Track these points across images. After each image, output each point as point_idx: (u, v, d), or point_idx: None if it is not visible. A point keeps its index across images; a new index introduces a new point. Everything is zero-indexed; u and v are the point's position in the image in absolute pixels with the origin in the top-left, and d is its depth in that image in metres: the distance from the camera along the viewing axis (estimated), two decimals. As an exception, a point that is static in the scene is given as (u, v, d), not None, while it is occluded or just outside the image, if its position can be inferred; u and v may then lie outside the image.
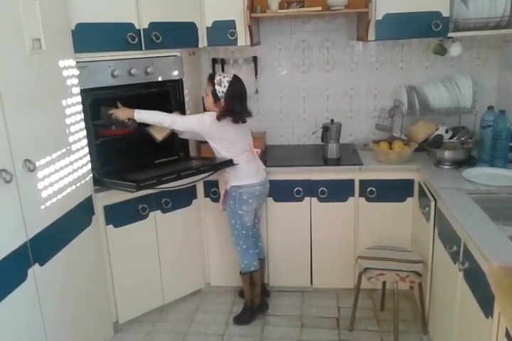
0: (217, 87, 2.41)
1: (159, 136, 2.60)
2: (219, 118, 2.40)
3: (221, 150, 2.50)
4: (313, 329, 2.63)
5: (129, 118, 2.47)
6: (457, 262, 1.87)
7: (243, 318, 2.71)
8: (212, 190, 2.83)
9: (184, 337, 2.62)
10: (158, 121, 2.47)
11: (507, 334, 1.39)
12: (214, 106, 2.45)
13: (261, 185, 2.56)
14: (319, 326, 2.65)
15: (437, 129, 2.91)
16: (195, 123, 2.47)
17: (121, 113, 2.46)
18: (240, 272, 2.67)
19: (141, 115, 2.45)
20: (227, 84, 2.40)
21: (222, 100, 2.41)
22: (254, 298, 2.70)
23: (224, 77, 2.43)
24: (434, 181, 2.38)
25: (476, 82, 2.94)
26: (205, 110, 2.59)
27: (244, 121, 2.47)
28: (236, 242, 2.63)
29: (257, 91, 3.19)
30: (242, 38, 2.73)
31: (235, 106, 2.41)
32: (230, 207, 2.57)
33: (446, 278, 2.11)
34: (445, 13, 2.60)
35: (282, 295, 2.95)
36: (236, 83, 2.43)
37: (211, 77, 2.46)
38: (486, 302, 1.58)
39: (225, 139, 2.48)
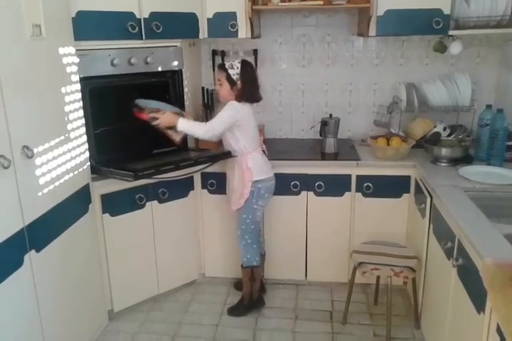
0: (230, 71, 2.41)
1: (177, 138, 2.53)
2: (239, 99, 2.41)
3: (243, 141, 2.46)
4: (307, 322, 2.65)
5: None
6: (451, 258, 1.89)
7: (238, 310, 2.72)
8: (209, 182, 2.83)
9: (178, 326, 2.63)
10: (199, 133, 2.40)
11: (498, 329, 1.40)
12: (231, 93, 2.43)
13: (274, 180, 2.59)
14: (313, 319, 2.67)
15: (435, 127, 2.92)
16: (229, 116, 2.40)
17: (165, 120, 2.40)
18: (242, 265, 2.67)
19: (184, 125, 2.38)
20: (239, 65, 2.41)
21: (239, 82, 2.41)
22: (253, 293, 2.71)
23: (234, 61, 2.46)
24: (430, 178, 2.40)
25: (475, 81, 2.94)
26: (212, 103, 2.61)
27: (257, 100, 2.51)
28: (241, 236, 2.62)
29: (256, 84, 3.19)
30: (243, 31, 2.73)
31: (252, 85, 2.43)
32: (246, 202, 2.53)
33: (440, 273, 2.13)
34: (446, 11, 2.60)
35: (277, 287, 2.97)
36: (247, 64, 2.46)
37: (221, 65, 2.46)
38: (478, 298, 1.59)
39: (251, 126, 2.48)
